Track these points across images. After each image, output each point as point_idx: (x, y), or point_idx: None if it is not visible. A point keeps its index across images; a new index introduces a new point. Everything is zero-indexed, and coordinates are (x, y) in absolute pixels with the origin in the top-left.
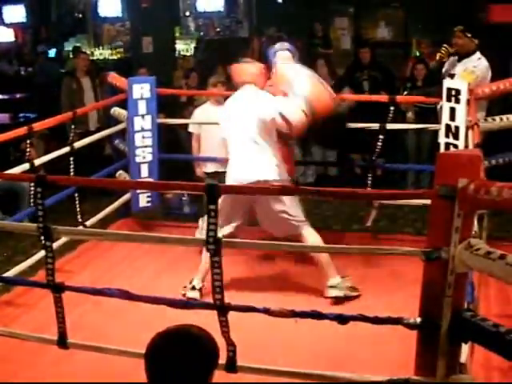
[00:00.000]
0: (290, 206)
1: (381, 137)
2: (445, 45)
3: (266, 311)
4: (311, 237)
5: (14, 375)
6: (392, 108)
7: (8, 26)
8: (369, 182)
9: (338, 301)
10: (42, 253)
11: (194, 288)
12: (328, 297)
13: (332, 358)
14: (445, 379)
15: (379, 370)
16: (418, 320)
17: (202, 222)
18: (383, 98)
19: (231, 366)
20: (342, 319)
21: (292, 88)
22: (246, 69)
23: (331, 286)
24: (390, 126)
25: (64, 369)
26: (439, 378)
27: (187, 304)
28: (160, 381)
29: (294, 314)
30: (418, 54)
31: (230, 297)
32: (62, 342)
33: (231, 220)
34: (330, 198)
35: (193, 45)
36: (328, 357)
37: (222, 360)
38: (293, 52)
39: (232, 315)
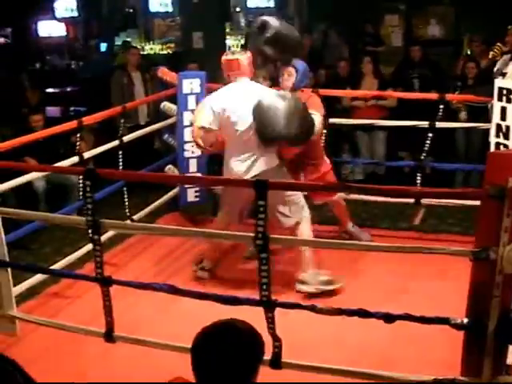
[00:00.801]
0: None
1: (430, 135)
2: (498, 43)
3: (313, 308)
4: (306, 231)
5: (60, 365)
6: (442, 106)
7: (60, 20)
8: (418, 181)
9: (311, 295)
10: (90, 245)
11: (203, 268)
12: (298, 291)
13: (378, 356)
14: (491, 380)
15: (425, 370)
16: (465, 320)
17: None
18: (433, 96)
19: (276, 362)
20: (389, 318)
21: None
22: (241, 61)
23: (302, 282)
24: (439, 125)
25: (109, 361)
26: (485, 379)
27: (234, 300)
28: (206, 375)
29: (340, 311)
30: (469, 52)
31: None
32: (109, 335)
33: (233, 212)
34: (376, 195)
35: (243, 41)
36: (373, 355)
37: (267, 356)
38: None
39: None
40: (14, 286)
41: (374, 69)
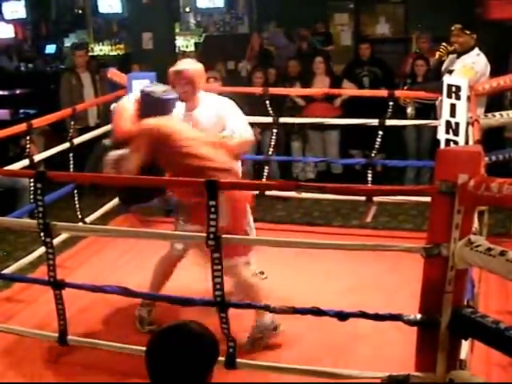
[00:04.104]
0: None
1: (380, 133)
2: (444, 43)
3: (267, 308)
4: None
5: (14, 370)
6: (391, 104)
7: (8, 22)
8: (369, 179)
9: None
10: (42, 249)
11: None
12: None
13: (333, 354)
14: (445, 375)
15: (380, 367)
16: (418, 316)
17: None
18: (383, 92)
19: (230, 363)
20: (342, 316)
21: None
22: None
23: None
24: (389, 122)
25: (63, 366)
26: (439, 375)
27: (187, 301)
28: (160, 377)
29: (293, 310)
30: (417, 50)
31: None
32: (63, 339)
33: None
34: (330, 193)
35: (193, 41)
36: (329, 354)
37: (221, 357)
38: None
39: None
40: None
41: (326, 68)
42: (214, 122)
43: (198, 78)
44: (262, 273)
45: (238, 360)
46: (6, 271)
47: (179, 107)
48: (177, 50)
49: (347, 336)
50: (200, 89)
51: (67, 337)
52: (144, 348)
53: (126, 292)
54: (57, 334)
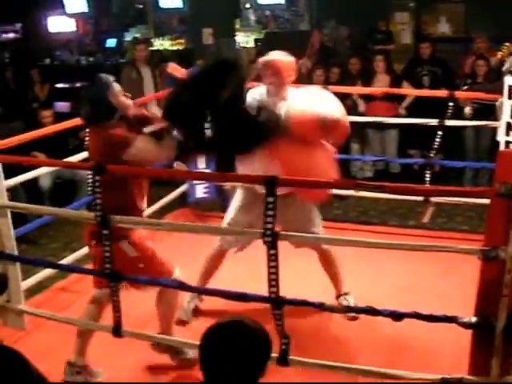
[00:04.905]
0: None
1: (439, 133)
2: (506, 43)
3: (320, 306)
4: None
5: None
6: (451, 104)
7: (70, 15)
8: (427, 179)
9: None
10: None
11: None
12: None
13: (385, 355)
14: (499, 379)
15: (433, 369)
16: (474, 319)
17: None
18: (442, 93)
19: (283, 359)
20: (397, 316)
21: None
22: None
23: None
24: (448, 123)
25: (116, 356)
26: (493, 378)
27: (243, 296)
28: (214, 372)
29: (347, 309)
30: (478, 49)
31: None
32: (117, 330)
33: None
34: (389, 193)
35: (253, 37)
36: (381, 354)
37: (275, 353)
38: None
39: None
40: (23, 280)
41: (387, 66)
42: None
43: (286, 70)
44: None
45: (291, 357)
46: (62, 261)
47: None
48: (237, 46)
49: (399, 336)
50: (289, 82)
51: (121, 328)
52: (197, 342)
53: (181, 285)
54: (111, 325)
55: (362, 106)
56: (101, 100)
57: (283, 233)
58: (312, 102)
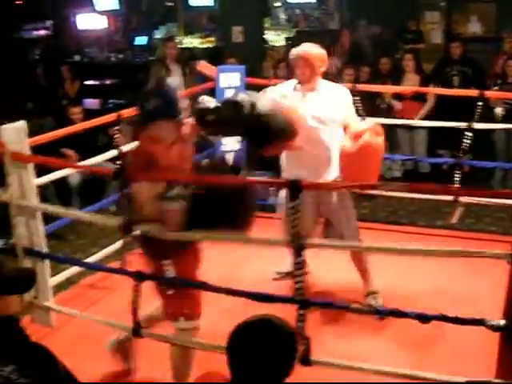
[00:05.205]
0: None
1: (468, 134)
2: None
3: (346, 308)
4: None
5: (94, 358)
6: (480, 104)
7: (100, 13)
8: (456, 179)
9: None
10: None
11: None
12: (368, 304)
13: (411, 356)
14: None
15: (459, 372)
16: (502, 322)
17: None
18: (472, 92)
19: (305, 360)
20: (424, 318)
21: None
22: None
23: (371, 292)
24: (477, 126)
25: (142, 355)
26: None
27: (268, 298)
28: (241, 371)
29: (375, 311)
30: (509, 49)
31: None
32: (137, 331)
33: None
34: (416, 192)
35: (283, 36)
36: (407, 355)
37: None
38: None
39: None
40: (51, 276)
41: (416, 66)
42: (331, 109)
43: (318, 61)
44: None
45: (313, 358)
46: (91, 258)
47: (292, 88)
48: (267, 45)
49: (425, 337)
50: (320, 73)
51: (141, 329)
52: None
53: (205, 286)
54: (131, 326)
55: (398, 105)
56: (173, 97)
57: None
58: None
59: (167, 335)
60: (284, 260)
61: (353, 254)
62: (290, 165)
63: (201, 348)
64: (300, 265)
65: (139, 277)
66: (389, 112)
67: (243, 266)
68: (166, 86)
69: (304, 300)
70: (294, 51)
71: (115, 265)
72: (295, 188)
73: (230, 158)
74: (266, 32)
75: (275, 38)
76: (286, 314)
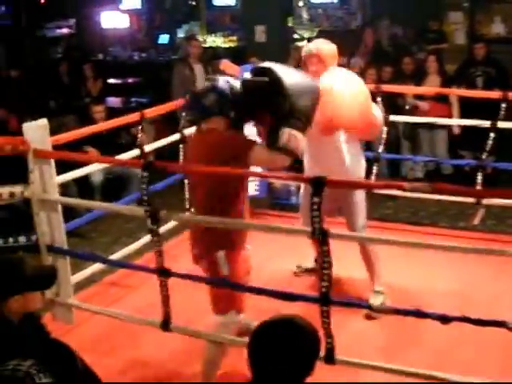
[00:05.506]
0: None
1: (492, 135)
2: None
3: (369, 307)
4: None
5: (114, 355)
6: (504, 105)
7: (123, 11)
8: (478, 181)
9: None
10: (149, 236)
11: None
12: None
13: (432, 357)
14: None
15: (480, 373)
16: None
17: None
18: (496, 94)
19: (330, 358)
20: (445, 319)
21: None
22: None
23: (374, 291)
24: (501, 125)
25: (163, 352)
26: None
27: (291, 296)
28: (262, 370)
29: (396, 311)
30: None
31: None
32: (166, 325)
33: None
34: (440, 193)
35: (306, 35)
36: (428, 356)
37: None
38: None
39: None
40: (72, 274)
41: (439, 67)
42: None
43: (330, 57)
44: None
45: (337, 357)
46: (112, 256)
47: None
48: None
49: (447, 337)
50: (331, 67)
51: (171, 323)
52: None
53: (229, 284)
54: (159, 320)
55: (425, 106)
56: (227, 95)
57: (333, 232)
58: None
59: (197, 330)
60: (306, 258)
61: (362, 250)
62: (309, 163)
63: (233, 344)
64: (326, 253)
65: (164, 273)
66: (412, 113)
67: (266, 265)
68: (222, 84)
69: (326, 298)
70: (306, 48)
71: (138, 262)
72: (319, 184)
73: None
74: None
75: (298, 37)
76: (310, 311)
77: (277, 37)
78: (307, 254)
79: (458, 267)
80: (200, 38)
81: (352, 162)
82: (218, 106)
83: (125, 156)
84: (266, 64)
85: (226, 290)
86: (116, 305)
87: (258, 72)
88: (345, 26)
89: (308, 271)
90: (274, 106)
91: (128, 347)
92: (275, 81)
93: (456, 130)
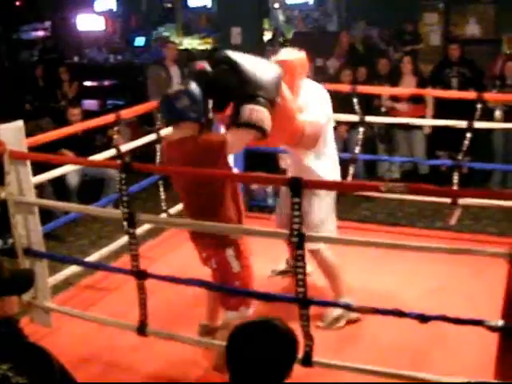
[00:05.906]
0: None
1: (468, 135)
2: None
3: (347, 307)
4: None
5: (93, 358)
6: (479, 106)
7: (99, 14)
8: (455, 181)
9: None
10: (125, 238)
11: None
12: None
13: (410, 357)
14: None
15: (458, 372)
16: (500, 323)
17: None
18: (471, 94)
19: (307, 361)
20: (423, 318)
21: None
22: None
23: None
24: (477, 125)
25: (141, 355)
26: None
27: (270, 296)
28: (240, 372)
29: (374, 310)
30: (508, 51)
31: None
32: (142, 329)
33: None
34: (416, 194)
35: (282, 37)
36: (406, 356)
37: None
38: None
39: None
40: (49, 277)
41: (414, 68)
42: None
43: (298, 67)
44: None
45: (315, 359)
46: (89, 259)
47: None
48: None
49: (427, 339)
50: (302, 78)
51: (147, 327)
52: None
53: (206, 285)
54: (136, 324)
55: (403, 108)
56: (201, 100)
57: (309, 234)
58: None
59: (175, 334)
60: (280, 260)
61: (317, 261)
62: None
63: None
64: (300, 257)
65: (141, 275)
66: (388, 115)
67: None
68: (193, 88)
69: (304, 299)
70: (274, 59)
71: (115, 264)
72: (296, 185)
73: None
74: (264, 33)
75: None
76: (288, 313)
77: (252, 39)
78: (280, 256)
79: (436, 267)
80: (176, 40)
81: (325, 175)
82: (190, 111)
83: (100, 157)
84: (222, 53)
85: (237, 286)
86: (93, 308)
87: (215, 63)
88: (321, 27)
89: (282, 273)
90: (236, 90)
91: (106, 350)
92: (233, 64)
93: (427, 130)
